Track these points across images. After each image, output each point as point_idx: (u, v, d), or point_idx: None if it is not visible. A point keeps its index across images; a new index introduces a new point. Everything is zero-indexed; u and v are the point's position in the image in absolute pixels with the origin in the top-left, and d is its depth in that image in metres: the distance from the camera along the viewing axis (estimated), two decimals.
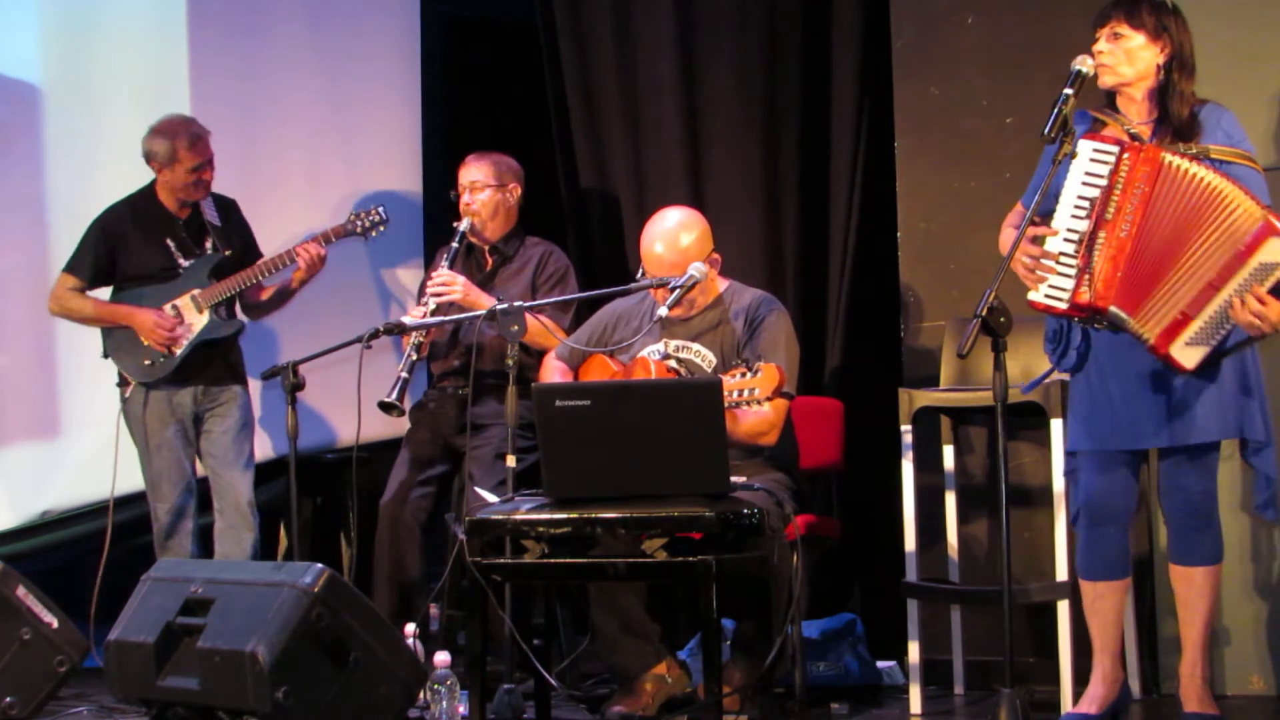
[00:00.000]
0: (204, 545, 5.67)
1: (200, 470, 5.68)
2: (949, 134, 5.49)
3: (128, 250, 5.70)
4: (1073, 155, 4.07)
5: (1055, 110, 4.01)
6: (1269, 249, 3.94)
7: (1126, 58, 4.17)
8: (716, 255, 4.93)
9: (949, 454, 5.15)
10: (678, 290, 4.77)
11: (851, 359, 5.85)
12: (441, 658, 4.35)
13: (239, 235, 5.73)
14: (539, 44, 6.45)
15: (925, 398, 5.03)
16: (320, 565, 3.99)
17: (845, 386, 5.75)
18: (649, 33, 6.21)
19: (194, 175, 5.61)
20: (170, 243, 5.63)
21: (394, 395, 5.23)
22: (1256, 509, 4.29)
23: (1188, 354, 4.01)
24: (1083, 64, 4.11)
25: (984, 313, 3.89)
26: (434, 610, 5.26)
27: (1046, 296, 4.09)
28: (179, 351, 5.56)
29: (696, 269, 4.81)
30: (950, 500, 5.13)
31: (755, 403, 4.36)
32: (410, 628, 4.45)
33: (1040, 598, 4.82)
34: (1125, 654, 4.77)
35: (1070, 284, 4.05)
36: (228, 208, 5.77)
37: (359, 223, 5.73)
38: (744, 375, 4.34)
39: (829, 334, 5.89)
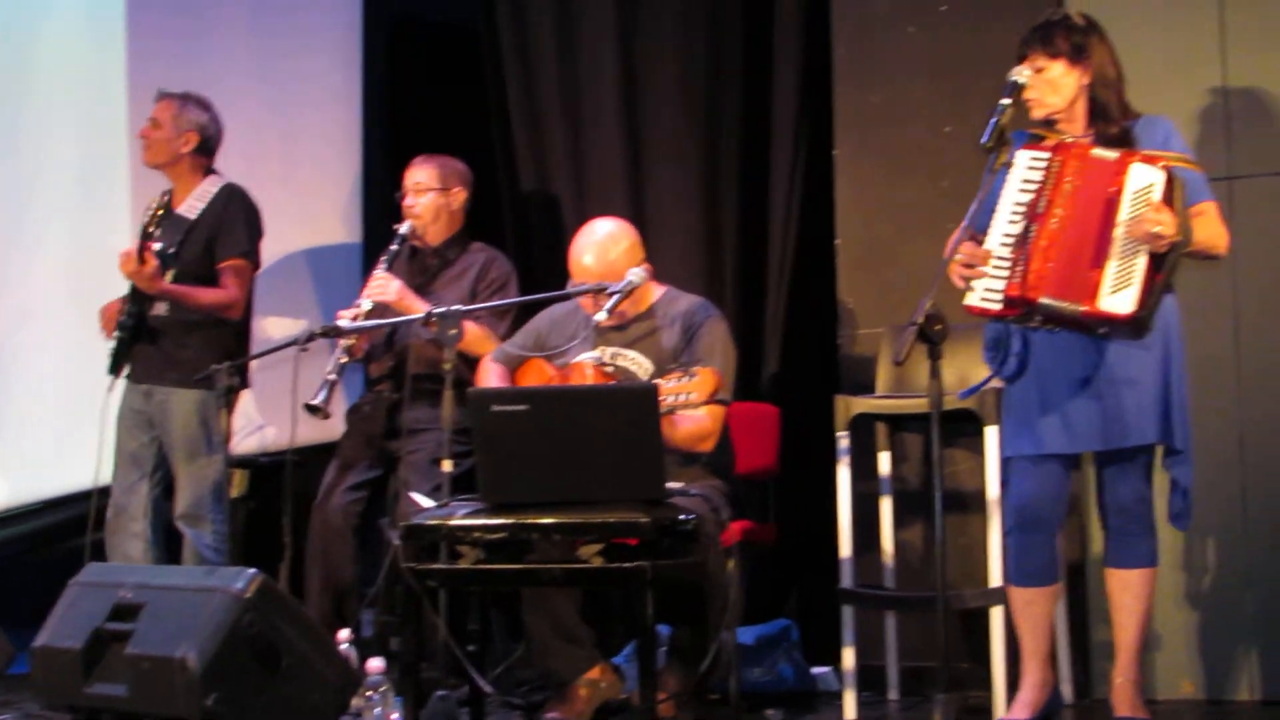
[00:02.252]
0: (172, 550, 5.59)
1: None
2: (888, 142, 5.51)
3: None
4: (1009, 165, 4.11)
5: (993, 120, 4.04)
6: (1134, 177, 4.01)
7: (1051, 88, 4.22)
8: (647, 265, 4.92)
9: (885, 460, 5.17)
10: (616, 295, 4.76)
11: (789, 365, 5.87)
12: (375, 664, 4.32)
13: (209, 229, 5.55)
14: (481, 46, 6.44)
15: (861, 404, 5.04)
16: (252, 570, 3.97)
17: (782, 392, 5.76)
18: (591, 37, 6.21)
19: None
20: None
21: (319, 398, 5.18)
22: (1170, 519, 4.31)
23: (1117, 301, 4.01)
24: (1019, 75, 4.15)
25: (920, 320, 3.90)
26: (368, 616, 5.23)
27: (982, 300, 4.12)
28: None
29: (635, 274, 4.80)
30: (886, 506, 5.15)
31: (692, 406, 4.36)
32: (344, 633, 4.42)
33: (975, 604, 4.84)
34: (1058, 659, 4.80)
35: (1003, 284, 4.08)
36: (221, 199, 5.59)
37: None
38: (681, 379, 4.34)
39: (766, 340, 5.90)
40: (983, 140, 4.03)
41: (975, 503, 5.16)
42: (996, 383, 4.46)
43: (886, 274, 5.45)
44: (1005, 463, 4.38)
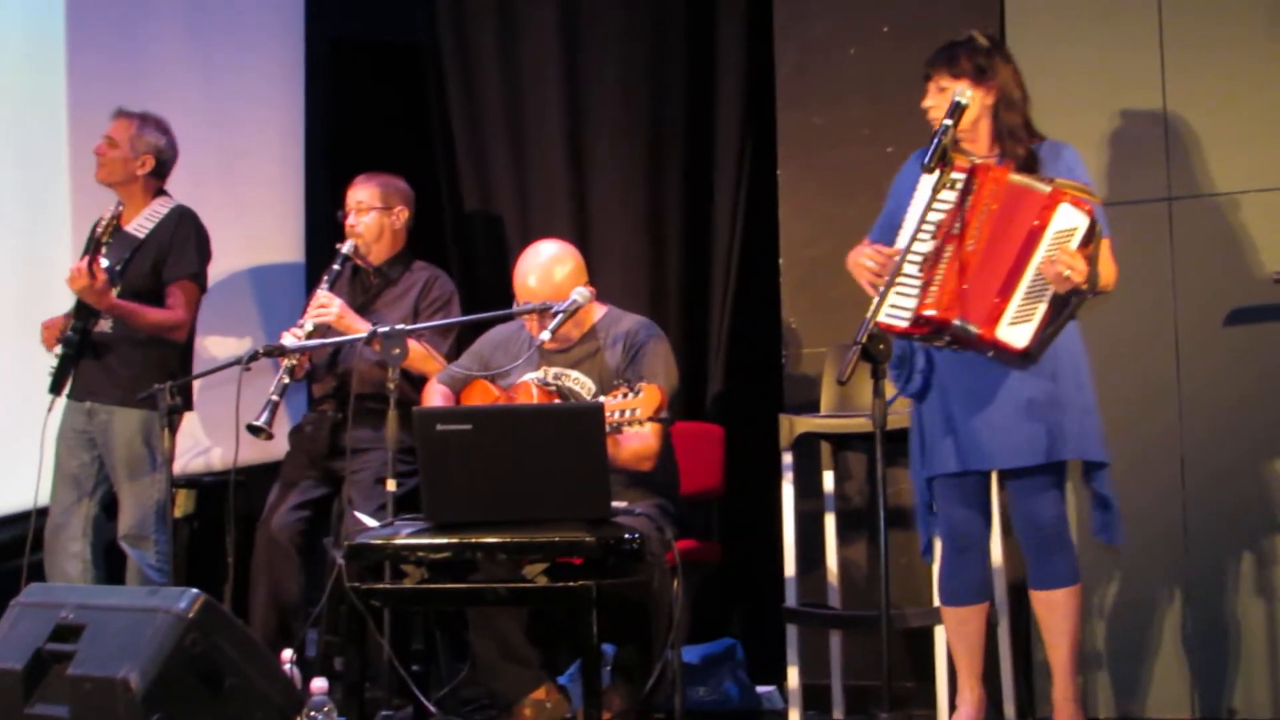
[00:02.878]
0: (112, 570, 5.54)
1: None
2: (831, 162, 5.54)
3: None
4: (951, 185, 4.12)
5: (935, 140, 4.05)
6: (1060, 217, 4.02)
7: None
8: (591, 288, 4.93)
9: (829, 479, 5.18)
10: (560, 315, 4.76)
11: (733, 384, 5.88)
12: (319, 684, 4.29)
13: (157, 249, 5.52)
14: (425, 66, 6.44)
15: (805, 423, 5.06)
16: (195, 590, 3.93)
17: (726, 412, 5.78)
18: (534, 57, 6.22)
19: None
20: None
21: (262, 419, 5.15)
22: (1094, 534, 4.33)
23: (1014, 333, 4.04)
24: (962, 95, 4.17)
25: (864, 340, 3.90)
26: (312, 635, 5.20)
27: (887, 315, 4.11)
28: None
29: (579, 294, 4.81)
30: (830, 525, 5.16)
31: (637, 423, 4.36)
32: (287, 653, 4.39)
33: (918, 623, 4.86)
34: (1001, 678, 4.82)
35: (912, 302, 4.10)
36: (171, 220, 5.57)
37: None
38: (625, 396, 4.35)
39: (710, 359, 5.92)
40: (925, 160, 4.05)
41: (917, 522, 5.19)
42: (902, 401, 4.49)
43: (830, 294, 5.46)
44: (927, 482, 4.39)
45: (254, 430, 5.15)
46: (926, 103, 4.34)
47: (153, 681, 3.76)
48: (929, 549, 4.44)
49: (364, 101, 6.83)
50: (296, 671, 4.28)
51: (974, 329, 4.05)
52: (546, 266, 4.91)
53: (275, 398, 5.20)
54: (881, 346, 3.93)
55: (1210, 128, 4.94)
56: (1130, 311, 4.93)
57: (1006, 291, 4.04)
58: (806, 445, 5.11)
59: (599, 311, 5.02)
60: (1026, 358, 4.10)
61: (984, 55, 4.27)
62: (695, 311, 6.00)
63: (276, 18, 6.65)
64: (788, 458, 5.03)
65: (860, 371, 3.98)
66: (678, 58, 6.07)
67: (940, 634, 4.75)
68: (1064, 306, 4.09)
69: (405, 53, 6.65)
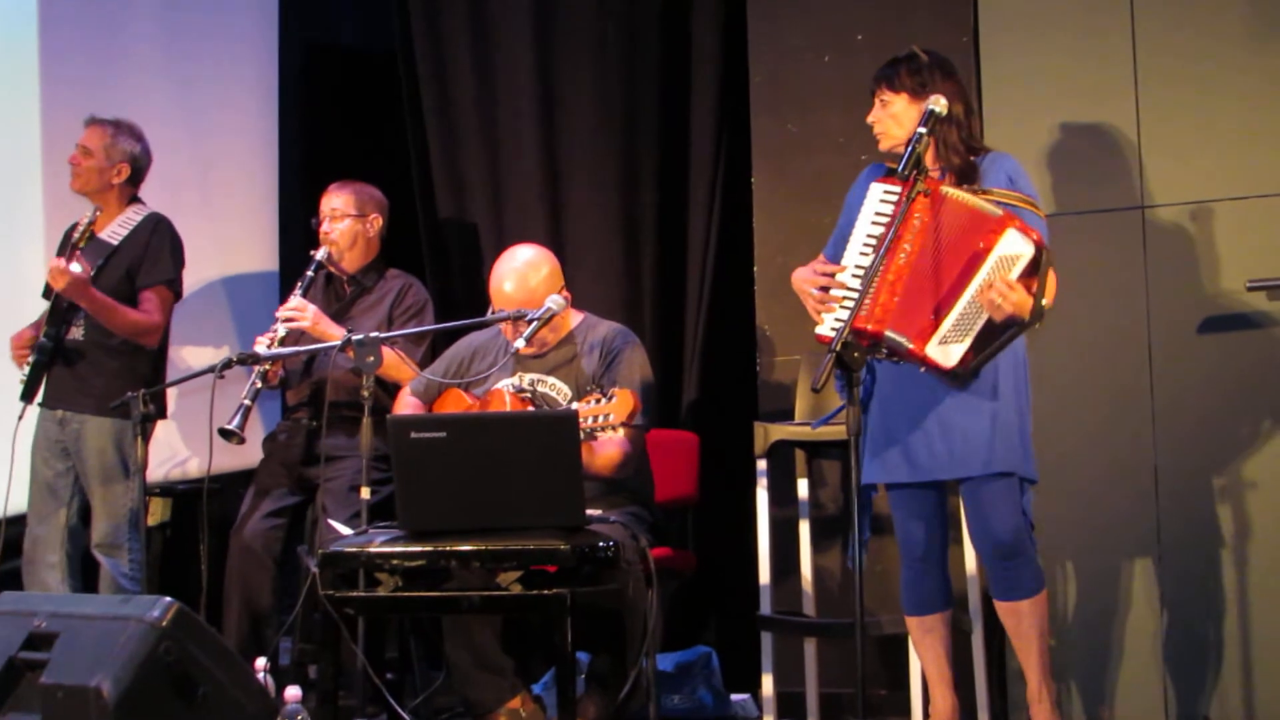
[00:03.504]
0: (88, 579, 5.51)
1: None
2: (805, 170, 5.55)
3: None
4: (926, 194, 4.12)
5: (909, 149, 4.06)
6: (1006, 241, 4.02)
7: (895, 121, 4.29)
8: (566, 293, 4.93)
9: (803, 487, 5.18)
10: (535, 323, 4.76)
11: (707, 392, 5.88)
12: (292, 692, 4.28)
13: (131, 256, 5.50)
14: (399, 74, 6.43)
15: (780, 431, 5.06)
16: (169, 598, 3.91)
17: (701, 420, 5.78)
18: (508, 64, 6.22)
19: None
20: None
21: (234, 422, 5.14)
22: None
23: (944, 352, 4.05)
24: (936, 104, 4.17)
25: (838, 347, 3.91)
26: (286, 643, 5.19)
27: (832, 329, 4.12)
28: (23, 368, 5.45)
29: (554, 301, 4.81)
30: (804, 533, 5.16)
31: (610, 428, 4.36)
32: (261, 661, 4.38)
33: (892, 630, 4.86)
34: (975, 686, 4.83)
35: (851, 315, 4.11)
36: (146, 228, 5.54)
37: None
38: (598, 401, 4.35)
39: (685, 367, 5.92)
40: (899, 170, 4.06)
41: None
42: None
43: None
44: (864, 489, 4.40)
45: (225, 434, 5.14)
46: (869, 118, 4.36)
47: (125, 690, 3.74)
48: (861, 557, 4.45)
49: (338, 109, 6.82)
50: (270, 680, 4.27)
51: (906, 343, 4.07)
52: (522, 272, 4.91)
53: (247, 402, 5.19)
54: (856, 354, 3.94)
55: (1183, 136, 4.95)
56: (1103, 320, 4.94)
57: (942, 310, 4.05)
58: (781, 453, 5.11)
59: (575, 318, 5.02)
60: (955, 377, 4.13)
61: (925, 71, 4.30)
62: (670, 318, 6.00)
63: (251, 25, 6.63)
64: (762, 465, 5.03)
65: (834, 379, 3.99)
66: (652, 65, 6.07)
67: None
68: (1000, 333, 4.10)
69: (379, 61, 6.64)
